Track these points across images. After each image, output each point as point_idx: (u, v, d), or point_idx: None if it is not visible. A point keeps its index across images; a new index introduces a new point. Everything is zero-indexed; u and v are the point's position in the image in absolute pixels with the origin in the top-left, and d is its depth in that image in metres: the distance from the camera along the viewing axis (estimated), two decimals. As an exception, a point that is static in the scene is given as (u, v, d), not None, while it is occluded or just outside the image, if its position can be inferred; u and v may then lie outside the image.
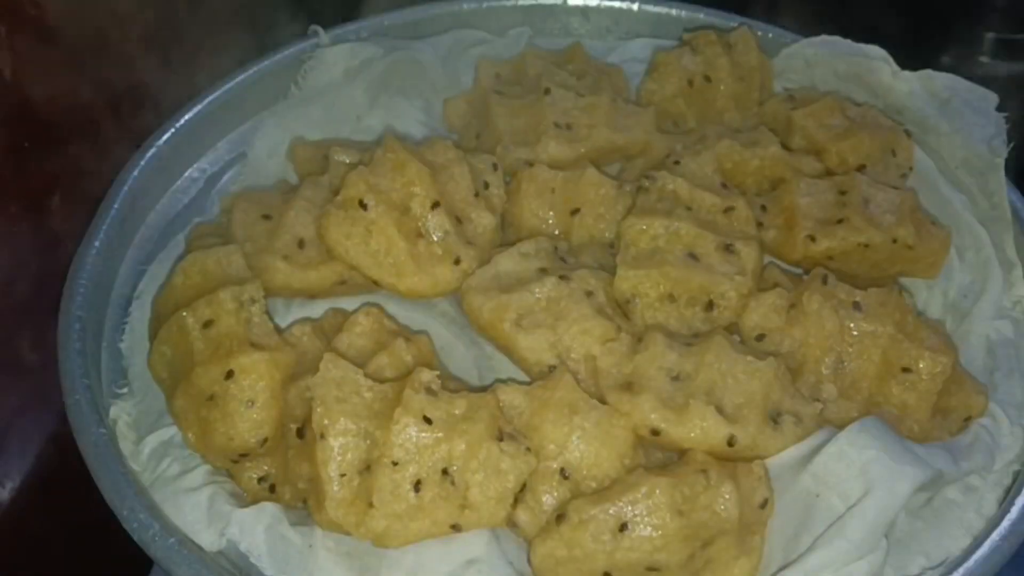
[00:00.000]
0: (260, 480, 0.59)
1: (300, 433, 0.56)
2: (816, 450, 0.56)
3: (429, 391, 0.55)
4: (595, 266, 0.64)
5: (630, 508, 0.52)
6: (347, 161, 0.69)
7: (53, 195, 0.69)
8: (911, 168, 0.75)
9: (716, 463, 0.55)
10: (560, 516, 0.54)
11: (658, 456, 0.58)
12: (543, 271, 0.63)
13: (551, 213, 0.68)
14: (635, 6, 0.87)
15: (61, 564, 0.74)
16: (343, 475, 0.53)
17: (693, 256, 0.63)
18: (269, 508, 0.56)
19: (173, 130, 0.75)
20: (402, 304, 0.65)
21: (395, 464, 0.53)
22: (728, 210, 0.66)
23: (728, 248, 0.63)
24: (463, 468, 0.54)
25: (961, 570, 0.54)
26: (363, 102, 0.79)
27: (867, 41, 0.80)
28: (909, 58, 0.79)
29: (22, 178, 0.67)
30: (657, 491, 0.52)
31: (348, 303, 0.65)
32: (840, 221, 0.67)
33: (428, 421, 0.53)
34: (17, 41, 0.64)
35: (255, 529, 0.55)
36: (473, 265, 0.64)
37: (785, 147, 0.73)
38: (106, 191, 0.70)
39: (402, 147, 0.65)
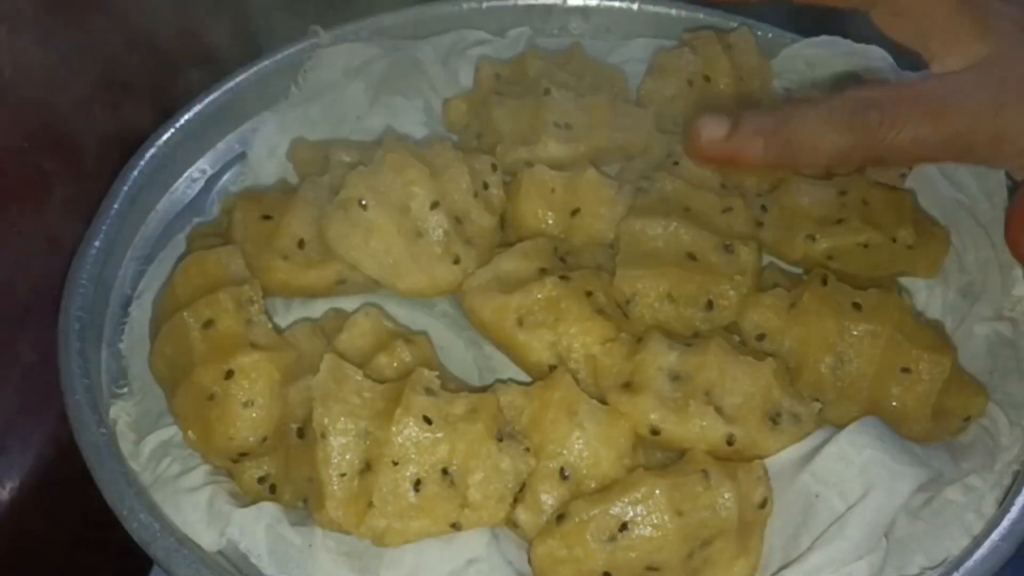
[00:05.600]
0: (260, 480, 0.59)
1: (300, 433, 0.56)
2: (816, 450, 0.56)
3: (429, 391, 0.55)
4: (595, 266, 0.64)
5: (630, 508, 0.52)
6: (347, 161, 0.69)
7: (53, 195, 0.69)
8: (911, 168, 0.75)
9: (716, 463, 0.55)
10: (560, 516, 0.54)
11: (658, 456, 0.58)
12: (543, 271, 0.62)
13: (551, 213, 0.68)
14: (635, 6, 0.87)
15: (61, 564, 0.74)
16: (343, 475, 0.53)
17: (693, 256, 0.63)
18: (269, 508, 0.56)
19: (173, 130, 0.75)
20: (402, 304, 0.65)
21: (395, 464, 0.53)
22: (728, 210, 0.66)
23: (728, 248, 0.63)
24: (463, 468, 0.54)
25: (961, 570, 0.54)
26: (363, 102, 0.78)
27: (867, 41, 0.80)
28: (909, 58, 0.79)
29: (22, 178, 0.67)
30: (657, 491, 0.52)
31: (348, 303, 0.65)
32: (840, 221, 0.67)
33: (428, 421, 0.53)
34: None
35: (255, 529, 0.55)
36: (473, 265, 0.64)
37: (785, 147, 0.73)
38: (106, 190, 0.70)
39: (402, 147, 0.65)
